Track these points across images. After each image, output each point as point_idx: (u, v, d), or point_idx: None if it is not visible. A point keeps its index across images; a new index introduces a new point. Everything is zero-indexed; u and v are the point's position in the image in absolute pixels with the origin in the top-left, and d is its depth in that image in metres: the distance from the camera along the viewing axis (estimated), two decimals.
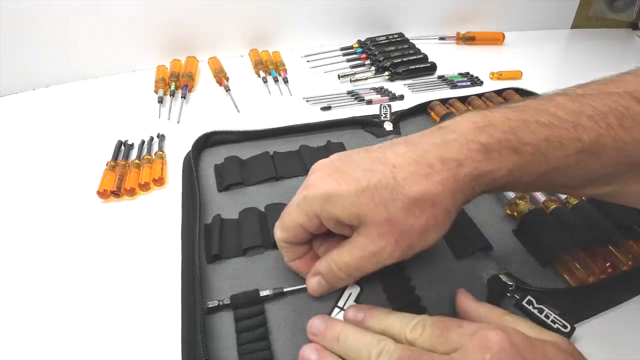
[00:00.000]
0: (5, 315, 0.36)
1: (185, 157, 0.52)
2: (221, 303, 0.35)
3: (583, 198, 0.43)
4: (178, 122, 0.61)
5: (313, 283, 0.34)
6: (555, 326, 0.32)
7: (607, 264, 0.37)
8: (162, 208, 0.46)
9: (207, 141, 0.54)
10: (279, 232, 0.34)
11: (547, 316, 0.33)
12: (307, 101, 0.65)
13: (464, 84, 0.70)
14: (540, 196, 0.44)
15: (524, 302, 0.34)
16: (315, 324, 0.31)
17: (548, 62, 0.81)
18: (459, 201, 0.30)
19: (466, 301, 0.32)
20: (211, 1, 0.72)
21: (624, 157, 0.28)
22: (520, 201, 0.43)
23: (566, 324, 0.32)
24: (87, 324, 0.35)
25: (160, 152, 0.53)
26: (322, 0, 0.78)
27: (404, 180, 0.28)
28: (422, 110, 0.61)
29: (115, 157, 0.53)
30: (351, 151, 0.33)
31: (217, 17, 0.74)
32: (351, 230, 0.31)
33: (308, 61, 0.77)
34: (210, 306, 0.34)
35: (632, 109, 0.28)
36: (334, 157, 0.33)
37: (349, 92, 0.67)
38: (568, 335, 0.32)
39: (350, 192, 0.29)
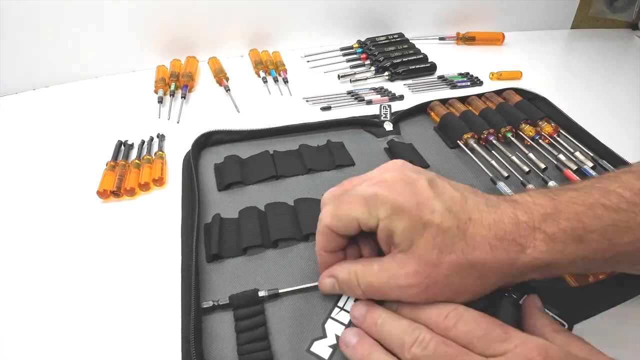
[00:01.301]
0: (6, 315, 0.36)
1: (185, 157, 0.52)
2: (216, 304, 0.34)
3: None
4: (178, 122, 0.61)
5: (326, 283, 0.33)
6: None
7: None
8: (162, 208, 0.46)
9: (207, 140, 0.54)
10: (329, 219, 0.31)
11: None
12: (307, 101, 0.65)
13: (463, 84, 0.70)
14: None
15: (521, 302, 0.34)
16: (358, 308, 0.31)
17: (548, 62, 0.81)
18: (503, 282, 0.29)
19: (532, 308, 0.31)
20: (211, 1, 0.72)
21: None
22: None
23: (563, 322, 0.32)
24: (86, 324, 0.35)
25: (160, 152, 0.53)
26: (322, 0, 0.78)
27: (471, 238, 0.28)
28: (422, 110, 0.61)
29: (115, 157, 0.53)
30: (434, 174, 0.31)
31: (217, 17, 0.74)
32: (389, 249, 0.30)
33: (308, 61, 0.77)
34: (205, 307, 0.34)
35: None
36: (417, 167, 0.32)
37: (349, 92, 0.67)
38: None
39: (421, 220, 0.28)
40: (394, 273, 0.29)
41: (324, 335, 0.33)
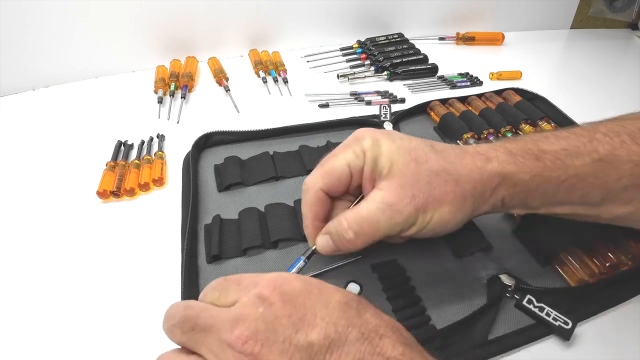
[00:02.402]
0: (5, 315, 0.36)
1: (185, 158, 0.52)
2: None
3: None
4: (178, 123, 0.61)
5: (321, 242, 0.34)
6: (557, 323, 0.33)
7: (607, 264, 0.37)
8: (162, 208, 0.46)
9: (207, 141, 0.54)
10: (320, 180, 0.34)
11: (548, 314, 0.33)
12: (307, 96, 0.65)
13: (463, 84, 0.70)
14: None
15: (524, 302, 0.34)
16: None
17: (548, 62, 0.81)
18: (479, 194, 0.32)
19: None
20: (211, 1, 0.72)
21: (639, 170, 0.30)
22: None
23: (567, 320, 0.33)
24: (86, 324, 0.35)
25: (160, 152, 0.53)
26: (322, 0, 0.78)
27: (440, 150, 0.33)
28: (422, 110, 0.61)
29: (115, 157, 0.53)
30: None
31: (216, 18, 0.74)
32: (374, 184, 0.32)
33: (308, 61, 0.77)
34: None
35: None
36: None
37: (352, 94, 0.66)
38: (569, 331, 0.32)
39: (394, 144, 0.32)
40: (381, 197, 0.31)
41: None
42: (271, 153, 0.51)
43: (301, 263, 0.34)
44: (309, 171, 0.48)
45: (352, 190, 0.35)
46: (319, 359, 0.22)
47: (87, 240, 0.43)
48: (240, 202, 0.45)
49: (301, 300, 0.24)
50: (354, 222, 0.31)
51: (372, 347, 0.23)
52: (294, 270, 0.34)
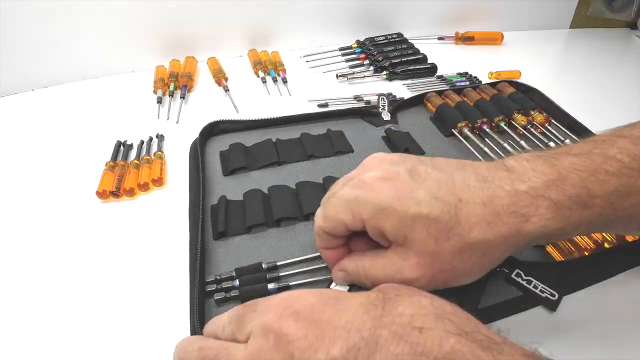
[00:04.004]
0: (5, 315, 0.36)
1: (191, 145, 0.54)
2: (218, 277, 0.36)
3: None
4: (177, 123, 0.61)
5: (339, 276, 0.33)
6: (543, 295, 0.34)
7: (592, 241, 0.38)
8: (162, 208, 0.46)
9: (212, 130, 0.56)
10: (321, 221, 0.32)
11: (535, 286, 0.35)
12: (307, 95, 0.65)
13: (462, 83, 0.70)
14: None
15: (512, 275, 0.35)
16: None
17: (547, 62, 0.81)
18: (510, 253, 0.29)
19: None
20: (210, 1, 0.72)
21: None
22: None
23: (554, 292, 0.34)
24: (85, 324, 0.35)
25: (160, 153, 0.53)
26: (321, 0, 0.78)
27: (465, 219, 0.27)
28: (418, 101, 0.63)
29: (114, 157, 0.53)
30: (415, 159, 0.31)
31: (216, 18, 0.74)
32: (389, 242, 0.29)
33: (307, 61, 0.77)
34: (207, 280, 0.36)
35: None
36: (396, 157, 0.31)
37: (355, 97, 0.65)
38: (556, 303, 0.34)
39: (407, 214, 0.27)
40: (398, 267, 0.28)
41: None
42: (274, 140, 0.53)
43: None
44: (310, 157, 0.51)
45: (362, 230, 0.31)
46: None
47: (86, 241, 0.43)
48: (244, 185, 0.47)
49: (317, 316, 0.22)
50: (372, 277, 0.30)
51: (411, 347, 0.20)
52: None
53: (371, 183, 0.29)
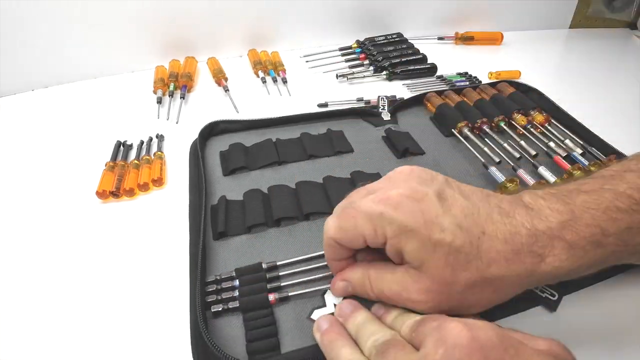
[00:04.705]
0: (5, 315, 0.36)
1: (191, 145, 0.54)
2: (218, 277, 0.36)
3: None
4: (177, 123, 0.61)
5: (339, 286, 0.32)
6: (543, 295, 0.34)
7: None
8: (161, 208, 0.46)
9: (212, 130, 0.56)
10: (334, 231, 0.30)
11: (535, 286, 0.34)
12: (308, 96, 0.65)
13: (462, 84, 0.70)
14: (529, 180, 0.46)
15: None
16: (344, 307, 0.31)
17: (546, 62, 0.81)
18: (520, 291, 0.29)
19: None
20: (210, 1, 0.72)
21: None
22: (510, 183, 0.44)
23: (554, 292, 0.34)
24: (85, 324, 0.35)
25: (159, 153, 0.53)
26: (321, 0, 0.78)
27: (485, 253, 0.27)
28: (418, 101, 0.63)
29: (114, 157, 0.53)
30: (443, 180, 0.30)
31: (216, 18, 0.74)
32: (403, 261, 0.29)
33: (307, 61, 0.77)
34: (207, 280, 0.36)
35: None
36: (424, 174, 0.30)
37: (358, 100, 0.65)
38: (556, 303, 0.34)
39: (431, 241, 0.26)
40: (406, 287, 0.28)
41: (324, 305, 0.34)
42: (274, 140, 0.53)
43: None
44: (310, 156, 0.51)
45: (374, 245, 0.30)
46: None
47: (86, 241, 0.43)
48: (244, 185, 0.47)
49: (494, 356, 0.22)
50: (377, 290, 0.30)
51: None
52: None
53: (399, 201, 0.28)
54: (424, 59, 0.74)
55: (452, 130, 0.54)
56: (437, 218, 0.27)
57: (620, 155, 0.49)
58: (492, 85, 0.64)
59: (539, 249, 0.27)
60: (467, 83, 0.70)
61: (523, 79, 0.71)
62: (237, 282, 0.36)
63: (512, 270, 0.27)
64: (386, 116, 0.59)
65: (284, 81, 0.70)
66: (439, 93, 0.63)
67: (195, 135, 0.54)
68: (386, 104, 0.61)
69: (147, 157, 0.52)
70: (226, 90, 0.67)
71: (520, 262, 0.27)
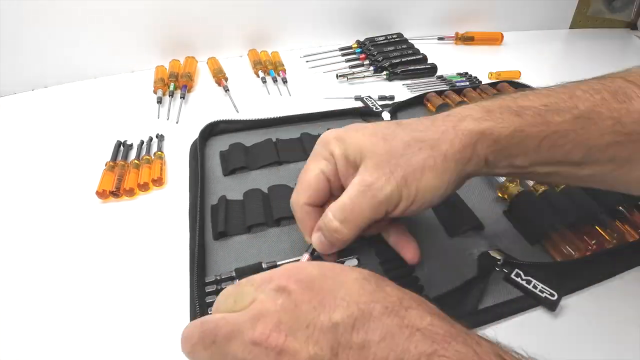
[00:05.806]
0: (5, 315, 0.36)
1: (191, 145, 0.54)
2: (218, 277, 0.36)
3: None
4: (177, 123, 0.61)
5: (315, 239, 0.33)
6: (543, 295, 0.34)
7: (593, 242, 0.38)
8: (161, 208, 0.46)
9: (212, 130, 0.56)
10: (301, 196, 0.34)
11: (535, 286, 0.35)
12: (308, 94, 0.65)
13: (462, 84, 0.70)
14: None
15: (512, 275, 0.36)
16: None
17: (546, 62, 0.81)
18: (458, 153, 0.30)
19: None
20: (210, 1, 0.72)
21: (620, 127, 0.30)
22: (511, 184, 0.45)
23: (553, 292, 0.34)
24: (85, 324, 0.35)
25: (160, 153, 0.53)
26: (321, 0, 0.78)
27: (407, 125, 0.32)
28: (419, 102, 0.63)
29: (114, 157, 0.53)
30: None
31: (216, 18, 0.74)
32: (351, 177, 0.32)
33: (307, 61, 0.77)
34: (207, 281, 0.36)
35: (624, 86, 0.31)
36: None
37: (356, 98, 0.65)
38: (555, 303, 0.34)
39: (358, 134, 0.32)
40: (359, 180, 0.30)
41: None
42: (274, 140, 0.53)
43: (308, 257, 0.34)
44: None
45: (336, 193, 0.34)
46: (346, 338, 0.22)
47: (86, 241, 0.43)
48: (244, 185, 0.47)
49: (318, 284, 0.24)
50: (338, 210, 0.31)
51: (400, 319, 0.22)
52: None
53: (327, 133, 0.34)
54: (424, 59, 0.75)
55: None
56: (358, 125, 0.34)
57: None
58: (493, 85, 0.64)
59: (455, 115, 0.31)
60: (467, 83, 0.70)
61: (523, 79, 0.71)
62: (237, 282, 0.36)
63: (435, 127, 0.31)
64: (386, 116, 0.59)
65: (284, 81, 0.70)
66: (439, 93, 0.63)
67: (195, 135, 0.54)
68: (375, 101, 0.62)
69: (147, 157, 0.52)
70: (226, 90, 0.67)
71: (440, 122, 0.31)
